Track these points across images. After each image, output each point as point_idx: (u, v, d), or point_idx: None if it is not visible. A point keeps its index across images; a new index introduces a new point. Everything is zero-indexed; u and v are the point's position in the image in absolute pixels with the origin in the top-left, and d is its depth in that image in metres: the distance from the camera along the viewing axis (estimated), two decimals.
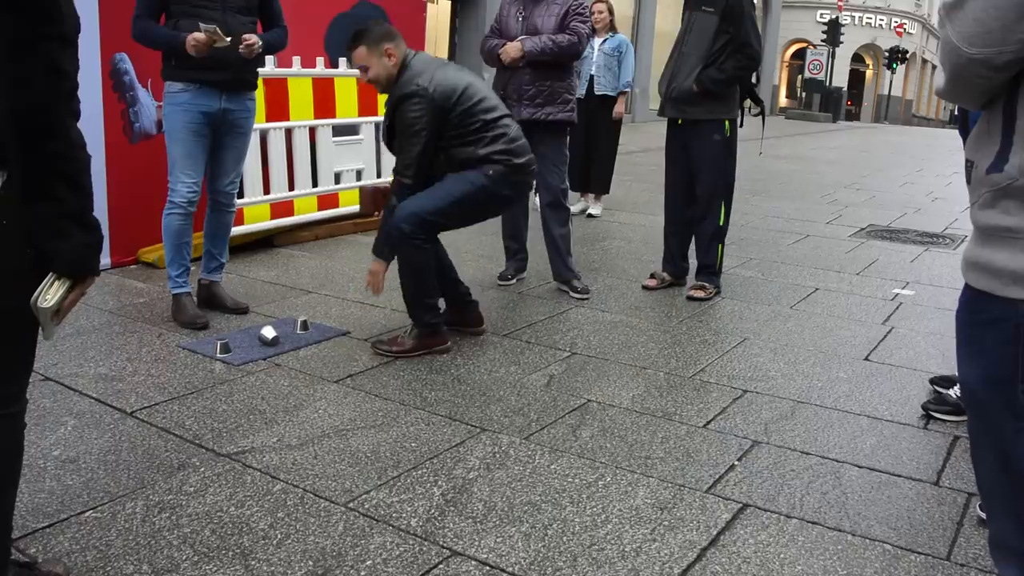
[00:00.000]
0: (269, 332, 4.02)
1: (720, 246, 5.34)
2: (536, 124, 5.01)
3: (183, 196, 4.22)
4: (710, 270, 5.34)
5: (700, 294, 5.26)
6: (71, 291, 1.76)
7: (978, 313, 1.39)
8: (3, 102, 1.61)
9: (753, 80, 5.42)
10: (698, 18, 5.10)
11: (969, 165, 1.40)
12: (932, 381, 3.90)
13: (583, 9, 5.12)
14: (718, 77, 5.01)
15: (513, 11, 5.12)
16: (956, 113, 5.00)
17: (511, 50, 4.96)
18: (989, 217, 1.34)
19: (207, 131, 4.23)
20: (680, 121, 5.24)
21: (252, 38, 4.13)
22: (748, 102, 5.35)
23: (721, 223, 5.29)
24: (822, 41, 33.16)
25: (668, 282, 5.49)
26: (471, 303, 4.42)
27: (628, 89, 7.88)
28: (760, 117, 5.72)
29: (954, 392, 3.60)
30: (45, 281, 1.73)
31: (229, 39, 4.00)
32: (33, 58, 1.60)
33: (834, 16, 34.25)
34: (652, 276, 5.52)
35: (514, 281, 5.39)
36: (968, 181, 1.41)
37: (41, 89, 1.62)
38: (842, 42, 33.91)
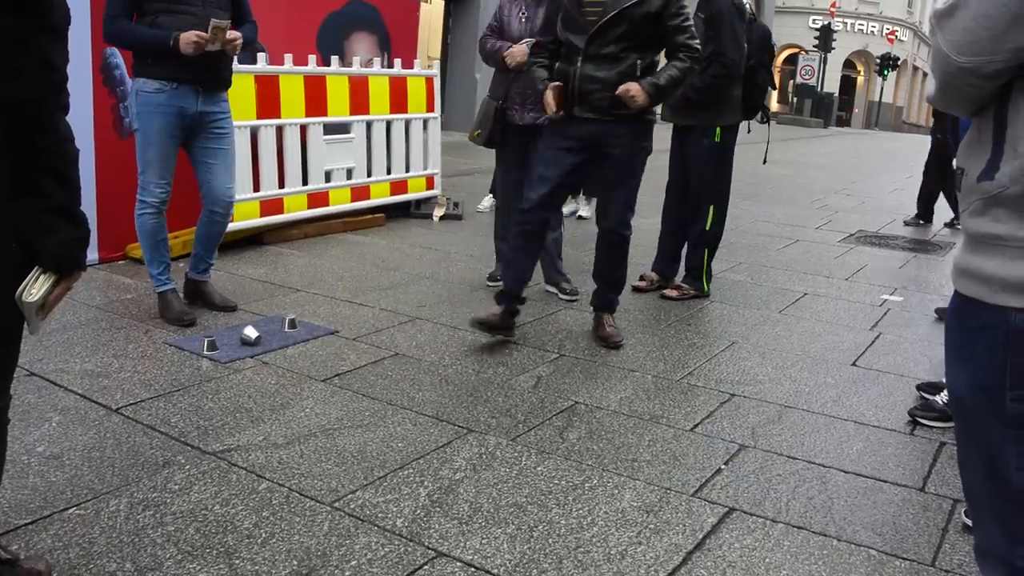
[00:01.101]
0: (252, 332, 3.99)
1: (706, 250, 5.36)
2: (537, 128, 4.99)
3: (156, 196, 4.17)
4: (693, 273, 5.41)
5: (673, 294, 5.36)
6: (57, 285, 1.74)
7: (967, 320, 1.39)
8: None
9: (768, 88, 5.47)
10: (696, 23, 5.14)
11: (960, 172, 1.40)
12: (919, 387, 3.91)
13: None
14: (697, 85, 5.02)
15: (515, 12, 5.05)
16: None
17: (517, 53, 4.87)
18: (979, 225, 1.34)
19: (180, 133, 4.15)
20: (678, 125, 5.31)
21: (235, 34, 4.09)
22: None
23: (708, 228, 5.32)
24: (814, 47, 33.32)
25: (657, 283, 5.53)
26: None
27: None
28: (766, 125, 5.73)
29: (941, 398, 3.61)
30: (31, 275, 1.71)
31: (226, 24, 3.97)
32: (24, 52, 1.58)
33: (826, 22, 34.39)
34: (641, 278, 5.55)
35: (500, 283, 5.37)
36: (958, 188, 1.41)
37: (31, 83, 1.60)
38: (834, 48, 34.07)
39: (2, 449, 1.91)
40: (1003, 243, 1.30)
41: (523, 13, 5.03)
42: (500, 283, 5.32)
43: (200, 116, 4.16)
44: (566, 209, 7.35)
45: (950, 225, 8.96)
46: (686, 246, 5.46)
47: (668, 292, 5.37)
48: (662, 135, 5.63)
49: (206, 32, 3.90)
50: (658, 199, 5.70)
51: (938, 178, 8.92)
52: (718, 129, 5.18)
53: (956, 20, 1.27)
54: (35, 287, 1.71)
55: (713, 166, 5.24)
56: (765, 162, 5.85)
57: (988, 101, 1.33)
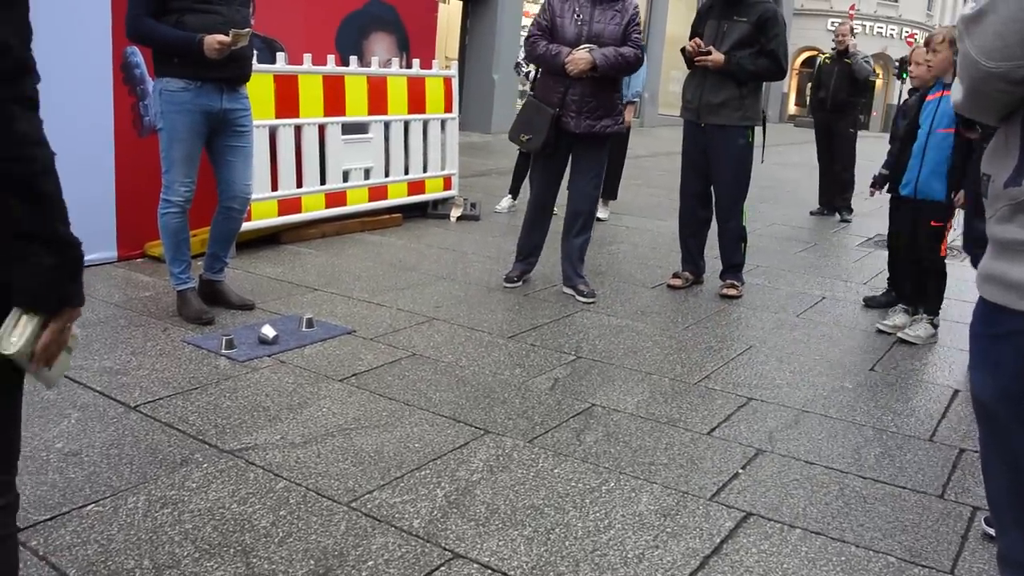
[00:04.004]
0: (269, 331, 4.00)
1: (744, 244, 5.56)
2: (592, 136, 4.99)
3: (181, 196, 4.19)
4: (739, 268, 5.56)
5: (734, 292, 5.47)
6: (45, 328, 1.36)
7: (993, 326, 1.37)
8: None
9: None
10: (729, 27, 5.19)
11: (986, 179, 1.39)
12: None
13: (639, 19, 5.08)
14: (748, 67, 5.20)
15: (568, 12, 4.94)
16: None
17: (580, 62, 4.79)
18: (1006, 231, 1.33)
19: (206, 130, 4.18)
20: (703, 125, 5.33)
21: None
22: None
23: (744, 223, 5.54)
24: (832, 49, 33.18)
25: (691, 281, 5.66)
26: None
27: (637, 99, 7.87)
28: (762, 128, 5.79)
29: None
30: (9, 318, 1.35)
31: (247, 32, 4.00)
32: None
33: (849, 25, 34.24)
34: (676, 275, 5.67)
35: (520, 283, 5.38)
36: (984, 195, 1.40)
37: None
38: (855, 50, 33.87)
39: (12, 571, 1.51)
40: None
41: (578, 15, 4.91)
42: (517, 284, 5.33)
43: (224, 113, 4.18)
44: None
45: (816, 213, 9.36)
46: (721, 244, 5.58)
47: (729, 292, 5.47)
48: (670, 136, 5.64)
49: (227, 36, 3.93)
50: (676, 201, 5.73)
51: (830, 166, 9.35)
52: (750, 129, 5.36)
53: (985, 25, 1.25)
54: (14, 334, 1.34)
55: (746, 165, 5.42)
56: (762, 161, 5.86)
57: (1016, 107, 1.32)
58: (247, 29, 3.99)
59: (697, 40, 5.27)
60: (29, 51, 1.28)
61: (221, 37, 3.92)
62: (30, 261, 1.31)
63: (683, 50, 5.42)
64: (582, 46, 4.84)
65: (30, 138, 1.28)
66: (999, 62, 1.25)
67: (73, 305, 1.39)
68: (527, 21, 15.31)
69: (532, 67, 6.90)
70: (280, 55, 5.88)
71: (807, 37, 38.89)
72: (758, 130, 5.47)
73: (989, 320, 1.38)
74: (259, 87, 5.59)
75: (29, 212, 1.29)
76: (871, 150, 11.06)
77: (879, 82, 43.68)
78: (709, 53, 5.17)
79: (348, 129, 6.56)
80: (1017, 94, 1.28)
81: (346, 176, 6.59)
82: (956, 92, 1.39)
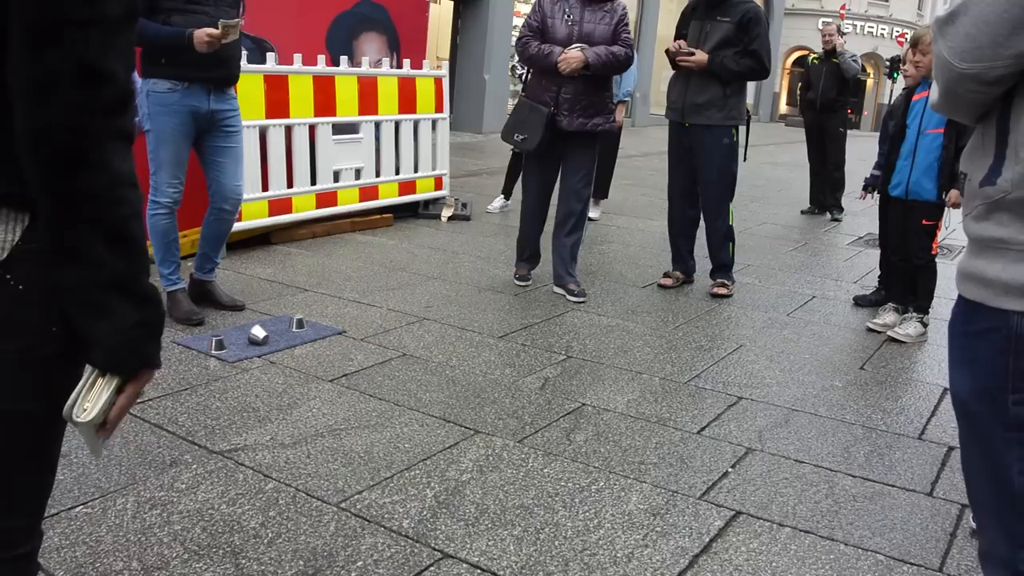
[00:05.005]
0: (259, 332, 4.00)
1: (731, 244, 5.57)
2: (585, 133, 5.02)
3: (169, 197, 4.18)
4: (728, 268, 5.58)
5: (724, 291, 5.49)
6: (121, 392, 1.22)
7: (970, 324, 1.38)
8: (17, 118, 1.10)
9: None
10: (712, 27, 5.23)
11: (963, 177, 1.40)
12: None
13: (628, 19, 5.12)
14: (731, 67, 5.22)
15: (559, 13, 4.98)
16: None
17: (573, 61, 4.83)
18: (983, 229, 1.34)
19: (193, 132, 4.17)
20: (687, 124, 5.35)
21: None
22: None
23: (731, 223, 5.54)
24: (822, 49, 33.25)
25: (681, 280, 5.68)
26: None
27: (628, 99, 7.89)
28: (746, 127, 5.83)
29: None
30: (83, 381, 1.20)
31: (237, 23, 4.00)
32: (56, 53, 1.08)
33: (836, 24, 34.32)
34: (666, 275, 5.69)
35: (531, 280, 5.39)
36: (962, 193, 1.41)
37: (66, 99, 1.09)
38: (843, 50, 33.95)
39: None
40: (1006, 246, 1.30)
41: (568, 15, 4.95)
42: (530, 281, 5.35)
43: (212, 114, 4.17)
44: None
45: (806, 212, 9.41)
46: (709, 243, 5.60)
47: (719, 291, 5.49)
48: (661, 136, 5.65)
49: (216, 30, 3.92)
50: (666, 201, 5.74)
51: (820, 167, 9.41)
52: (735, 128, 5.38)
53: (957, 27, 1.27)
54: (89, 399, 1.19)
55: (731, 164, 5.42)
56: (744, 159, 5.86)
57: (991, 107, 1.33)
58: (236, 20, 3.99)
59: (681, 41, 5.30)
60: (130, 78, 1.17)
61: (211, 30, 3.92)
62: (112, 314, 1.17)
63: (667, 51, 5.45)
64: (574, 45, 4.87)
65: (124, 178, 1.17)
66: (971, 63, 1.26)
67: (151, 366, 1.25)
68: (518, 21, 15.31)
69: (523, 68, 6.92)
70: (270, 55, 5.87)
71: (798, 37, 38.95)
72: (743, 129, 5.49)
73: (967, 317, 1.40)
74: (249, 87, 5.59)
75: (115, 259, 1.16)
76: (862, 149, 11.08)
77: (870, 81, 43.85)
78: (692, 54, 5.19)
79: (338, 129, 6.56)
80: (991, 95, 1.30)
81: (336, 176, 6.58)
82: (933, 93, 1.40)
